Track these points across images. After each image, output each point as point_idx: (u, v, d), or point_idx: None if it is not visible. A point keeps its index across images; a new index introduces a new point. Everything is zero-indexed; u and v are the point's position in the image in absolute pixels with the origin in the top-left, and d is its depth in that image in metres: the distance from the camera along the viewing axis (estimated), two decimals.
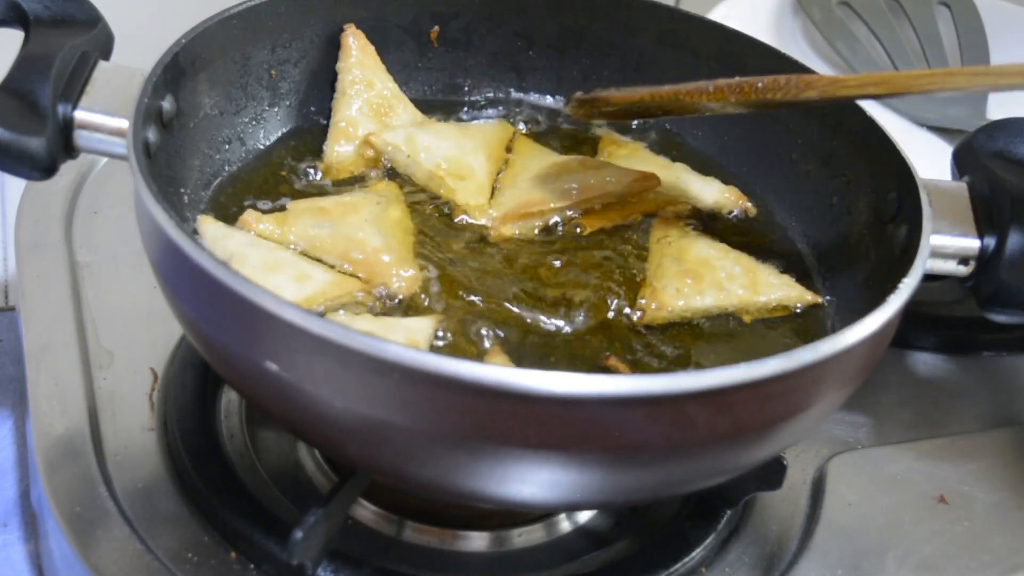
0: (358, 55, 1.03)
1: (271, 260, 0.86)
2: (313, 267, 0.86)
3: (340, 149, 0.99)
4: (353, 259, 0.88)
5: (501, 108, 1.10)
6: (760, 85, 0.87)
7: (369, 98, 1.02)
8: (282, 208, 0.92)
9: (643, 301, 0.89)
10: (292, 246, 0.88)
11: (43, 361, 0.97)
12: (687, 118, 1.08)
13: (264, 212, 0.91)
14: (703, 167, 1.05)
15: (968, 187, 0.90)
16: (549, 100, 1.12)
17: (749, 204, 1.02)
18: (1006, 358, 1.16)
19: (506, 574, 0.88)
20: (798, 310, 0.92)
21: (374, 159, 0.99)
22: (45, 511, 0.87)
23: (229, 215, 0.91)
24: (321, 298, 0.84)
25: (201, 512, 0.86)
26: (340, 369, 0.65)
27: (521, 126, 1.09)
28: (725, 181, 1.03)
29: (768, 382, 0.67)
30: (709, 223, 1.00)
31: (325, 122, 1.03)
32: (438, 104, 1.09)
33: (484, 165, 0.99)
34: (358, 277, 0.87)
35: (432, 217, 0.95)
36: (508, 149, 1.04)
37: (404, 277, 0.87)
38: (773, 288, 0.92)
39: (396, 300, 0.86)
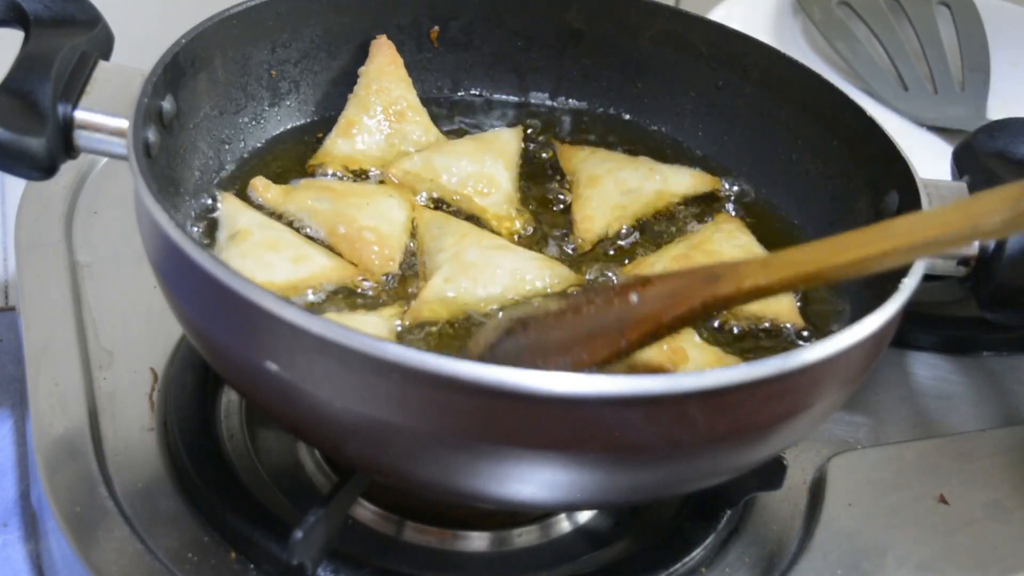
0: (384, 63, 1.03)
1: (274, 239, 0.87)
2: (315, 251, 0.88)
3: (339, 144, 1.00)
4: (337, 232, 0.90)
5: (506, 111, 1.11)
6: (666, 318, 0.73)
7: (383, 104, 1.02)
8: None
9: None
10: (291, 217, 0.91)
11: (43, 361, 0.97)
12: (688, 113, 1.08)
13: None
14: (704, 167, 1.05)
15: (968, 187, 0.90)
16: (548, 100, 1.12)
17: (725, 184, 1.03)
18: (1006, 358, 1.16)
19: (506, 574, 0.88)
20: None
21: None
22: (45, 511, 0.87)
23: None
24: (314, 281, 0.86)
25: (201, 512, 0.86)
26: (340, 369, 0.65)
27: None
28: (726, 181, 1.04)
29: (768, 382, 0.67)
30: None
31: (325, 122, 1.03)
32: (439, 104, 1.09)
33: (506, 174, 0.99)
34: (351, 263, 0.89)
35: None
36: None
37: (380, 256, 0.88)
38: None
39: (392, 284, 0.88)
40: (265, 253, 0.86)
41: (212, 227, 0.90)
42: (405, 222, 0.93)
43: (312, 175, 0.98)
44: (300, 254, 0.87)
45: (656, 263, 0.93)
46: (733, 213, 1.01)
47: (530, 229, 0.97)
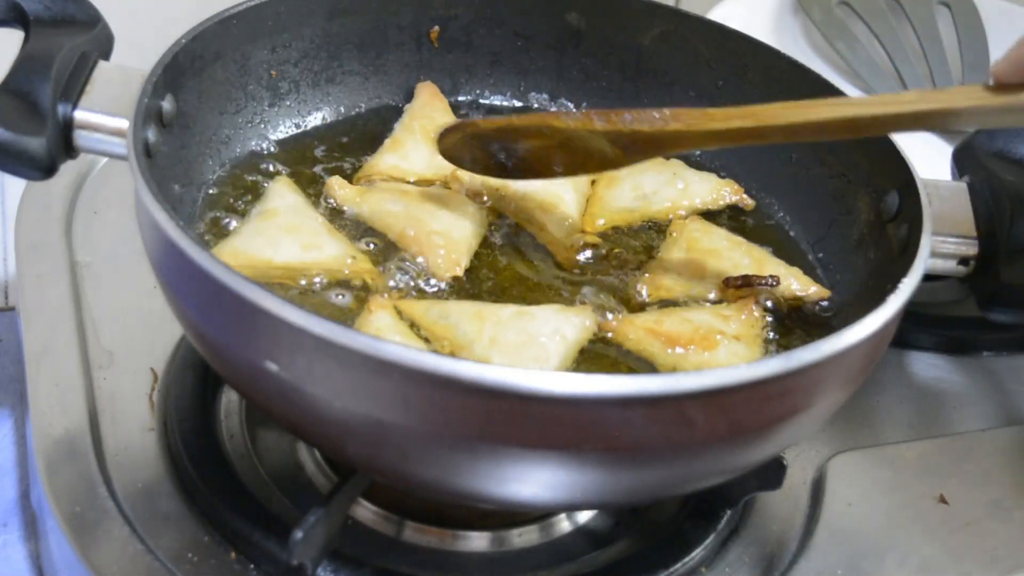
0: (428, 98, 1.05)
1: (296, 224, 0.88)
2: (331, 242, 0.88)
3: (386, 158, 0.99)
4: (406, 235, 0.90)
5: (506, 112, 1.11)
6: (628, 118, 0.84)
7: (429, 129, 1.01)
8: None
9: (640, 286, 0.92)
10: (363, 217, 0.92)
11: (43, 361, 0.97)
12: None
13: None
14: (703, 167, 1.05)
15: (968, 187, 0.90)
16: (547, 101, 1.12)
17: (746, 197, 1.02)
18: (1006, 358, 1.16)
19: (506, 574, 0.88)
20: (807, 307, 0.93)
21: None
22: (45, 511, 0.87)
23: (229, 213, 0.91)
24: (316, 269, 0.86)
25: (201, 512, 0.86)
26: (340, 369, 0.65)
27: None
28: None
29: (768, 382, 0.67)
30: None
31: (325, 123, 1.03)
32: None
33: (573, 196, 0.98)
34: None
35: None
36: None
37: (446, 259, 0.89)
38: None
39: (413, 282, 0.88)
40: (280, 234, 0.87)
41: (213, 226, 0.90)
42: (477, 229, 0.93)
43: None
44: (312, 242, 0.87)
45: (665, 272, 0.93)
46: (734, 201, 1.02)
47: (589, 257, 0.94)
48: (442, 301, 0.87)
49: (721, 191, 1.02)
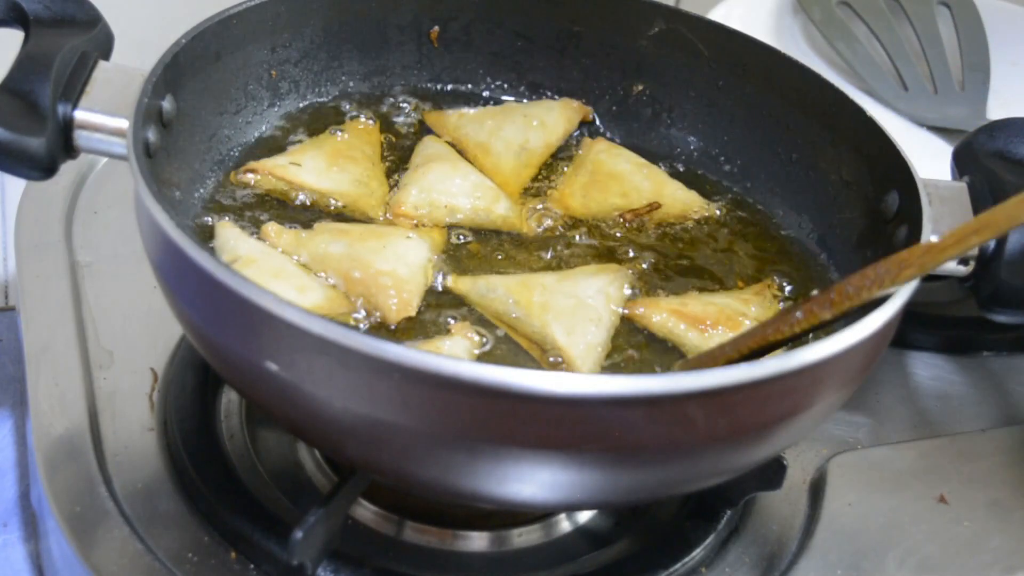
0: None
1: (278, 268, 0.85)
2: (315, 283, 0.86)
3: (277, 160, 0.97)
4: (352, 277, 0.86)
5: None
6: (850, 290, 0.74)
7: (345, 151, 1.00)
8: (282, 209, 0.94)
9: (542, 205, 1.00)
10: (305, 262, 0.88)
11: (43, 361, 0.97)
12: (688, 113, 1.08)
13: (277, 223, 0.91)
14: (705, 166, 1.05)
15: (968, 187, 0.90)
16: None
17: (589, 110, 1.08)
18: (1006, 358, 1.16)
19: (506, 574, 0.88)
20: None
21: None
22: (45, 511, 0.87)
23: (228, 214, 0.91)
24: (317, 312, 0.83)
25: (201, 512, 0.86)
26: (340, 369, 0.65)
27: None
28: (726, 182, 1.05)
29: (768, 382, 0.67)
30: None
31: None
32: (438, 106, 1.09)
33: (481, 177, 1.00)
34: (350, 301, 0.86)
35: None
36: None
37: (399, 301, 0.85)
38: (676, 200, 1.01)
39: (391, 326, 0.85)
40: (270, 280, 0.83)
41: (211, 227, 0.90)
42: (423, 264, 0.89)
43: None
44: (302, 284, 0.84)
45: (573, 194, 1.00)
46: (721, 211, 1.03)
47: (547, 223, 0.99)
48: (485, 275, 0.89)
49: (570, 115, 1.07)
